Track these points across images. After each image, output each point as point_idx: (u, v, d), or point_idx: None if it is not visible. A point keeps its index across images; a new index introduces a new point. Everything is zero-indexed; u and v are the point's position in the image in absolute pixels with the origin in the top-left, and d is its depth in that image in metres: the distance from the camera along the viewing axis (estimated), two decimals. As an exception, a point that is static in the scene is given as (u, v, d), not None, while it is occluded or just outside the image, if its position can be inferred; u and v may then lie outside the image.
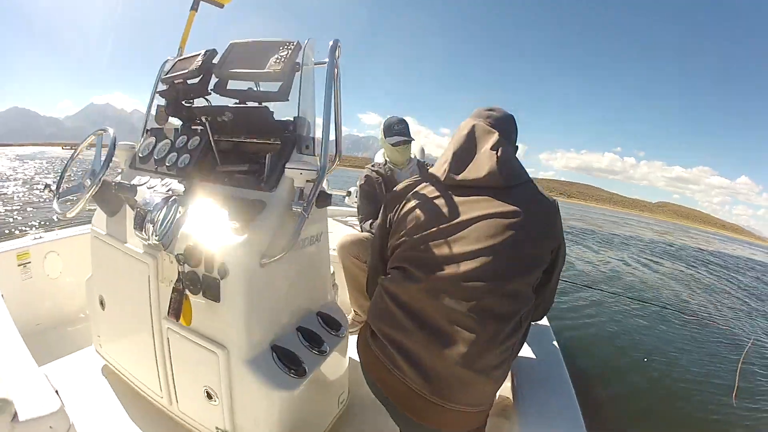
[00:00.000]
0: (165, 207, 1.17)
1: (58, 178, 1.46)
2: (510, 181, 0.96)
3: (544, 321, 1.80)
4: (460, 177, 0.99)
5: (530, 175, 1.03)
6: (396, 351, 0.92)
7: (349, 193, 3.12)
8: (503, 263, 0.88)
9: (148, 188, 1.35)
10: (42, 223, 6.86)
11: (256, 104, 1.30)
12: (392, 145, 1.99)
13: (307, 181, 1.13)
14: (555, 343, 1.59)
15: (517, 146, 1.09)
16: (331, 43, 1.24)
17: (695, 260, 15.91)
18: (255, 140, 1.27)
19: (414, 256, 0.96)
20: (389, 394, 0.95)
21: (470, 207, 0.94)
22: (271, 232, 1.11)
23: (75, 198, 1.47)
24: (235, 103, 1.32)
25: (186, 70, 1.42)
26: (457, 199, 0.97)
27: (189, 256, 1.10)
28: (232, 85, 1.34)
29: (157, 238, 1.15)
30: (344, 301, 2.09)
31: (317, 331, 1.30)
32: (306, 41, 1.25)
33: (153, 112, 1.60)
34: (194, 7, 1.80)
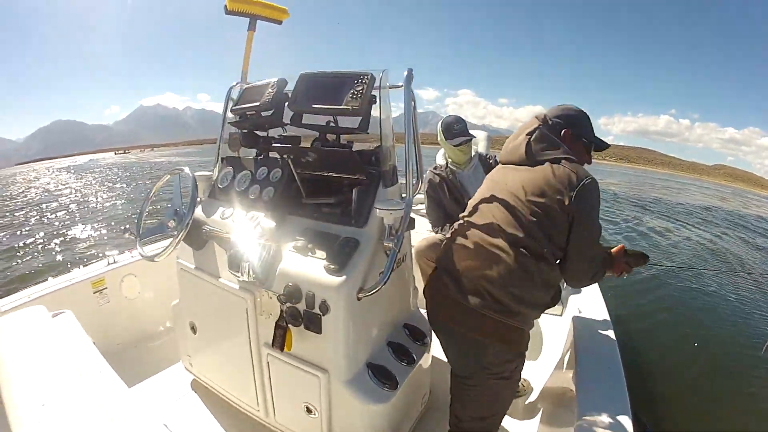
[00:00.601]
0: (259, 246, 1.24)
1: (137, 220, 1.55)
2: (532, 159, 1.24)
3: (604, 313, 1.97)
4: (504, 160, 1.36)
5: None
6: (445, 274, 1.22)
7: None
8: (506, 213, 1.17)
9: (234, 222, 1.42)
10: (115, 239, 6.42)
11: (334, 137, 1.34)
12: (455, 146, 1.99)
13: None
14: (613, 335, 1.72)
15: (583, 137, 1.31)
16: (406, 72, 1.26)
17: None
18: (340, 175, 1.31)
19: (467, 212, 1.32)
20: (440, 312, 1.24)
21: (504, 176, 1.29)
22: (365, 267, 1.18)
23: (158, 238, 1.56)
24: (315, 138, 1.36)
25: (258, 103, 1.45)
26: (501, 173, 1.33)
27: (290, 296, 1.18)
28: (307, 118, 1.38)
29: (254, 277, 1.23)
30: (422, 298, 2.15)
31: (405, 344, 1.40)
32: (381, 73, 1.27)
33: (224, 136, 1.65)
34: (251, 28, 1.78)
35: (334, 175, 1.31)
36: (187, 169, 1.51)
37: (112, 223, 7.25)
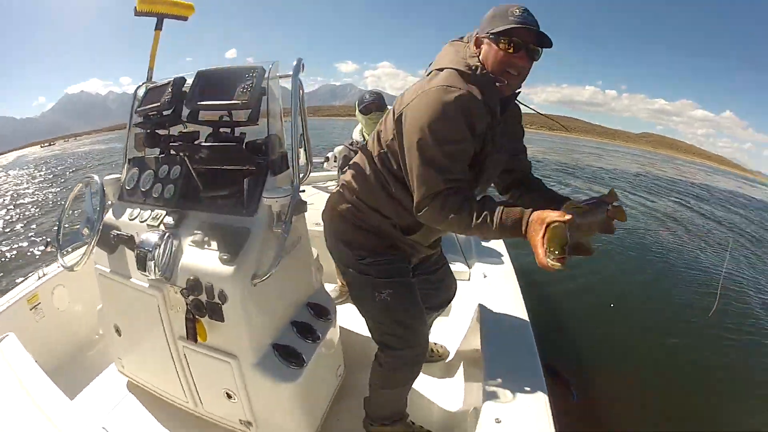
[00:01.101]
0: (162, 244, 1.28)
1: (56, 231, 1.57)
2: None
3: (512, 278, 2.14)
4: None
5: None
6: None
7: (327, 159, 3.17)
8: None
9: (141, 222, 1.44)
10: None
11: (228, 130, 1.37)
12: (365, 115, 2.04)
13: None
14: (521, 296, 1.89)
15: (484, 34, 1.09)
16: (294, 62, 1.30)
17: (685, 194, 15.82)
18: (232, 167, 1.35)
19: None
20: None
21: None
22: (257, 254, 1.23)
23: (76, 247, 1.58)
24: (209, 134, 1.39)
25: (158, 103, 1.48)
26: None
27: (192, 289, 1.23)
28: (204, 114, 1.41)
29: (160, 274, 1.27)
30: (330, 272, 2.25)
31: (309, 322, 1.47)
32: (270, 66, 1.31)
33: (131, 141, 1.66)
34: (158, 27, 1.79)
35: (228, 167, 1.35)
36: (96, 177, 1.54)
37: (40, 232, 6.80)
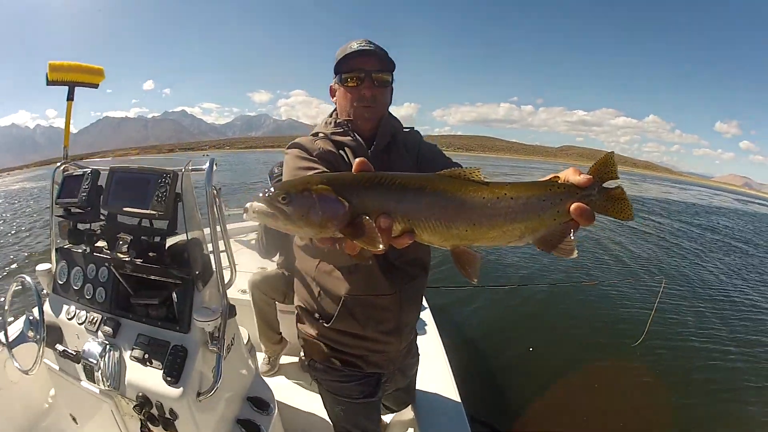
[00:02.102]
0: (105, 356, 1.30)
1: (3, 329, 1.58)
2: None
3: (441, 352, 2.17)
4: None
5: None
6: None
7: (246, 210, 3.13)
8: None
9: (79, 323, 1.44)
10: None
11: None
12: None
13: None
14: (451, 373, 1.94)
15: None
16: (206, 165, 1.26)
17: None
18: (158, 277, 1.33)
19: None
20: None
21: None
22: (198, 372, 1.26)
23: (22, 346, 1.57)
24: (131, 238, 1.36)
25: (76, 199, 1.42)
26: None
27: (143, 405, 1.25)
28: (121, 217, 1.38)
29: (108, 385, 1.29)
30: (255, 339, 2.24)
31: (251, 418, 1.51)
32: (182, 169, 1.27)
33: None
34: (70, 97, 1.68)
35: (154, 278, 1.33)
36: (27, 278, 1.53)
37: None
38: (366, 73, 1.06)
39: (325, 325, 1.18)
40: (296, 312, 1.31)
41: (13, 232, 9.72)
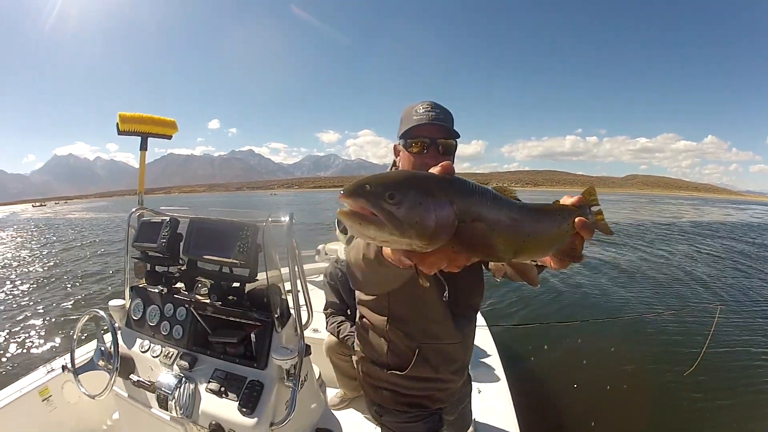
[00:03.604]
0: (181, 387, 1.42)
1: (70, 356, 1.68)
2: None
3: (506, 393, 2.27)
4: None
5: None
6: None
7: (318, 252, 3.26)
8: None
9: (153, 356, 1.57)
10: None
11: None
12: (346, 235, 2.16)
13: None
14: (514, 414, 2.02)
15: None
16: (286, 219, 1.41)
17: (658, 239, 15.82)
18: (237, 319, 1.47)
19: None
20: None
21: None
22: (272, 405, 1.38)
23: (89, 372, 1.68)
24: (212, 283, 1.50)
25: (155, 244, 1.57)
26: None
27: (216, 431, 1.36)
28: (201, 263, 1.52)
29: (181, 413, 1.40)
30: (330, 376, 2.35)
31: None
32: (264, 223, 1.42)
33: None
34: (143, 147, 1.83)
35: (233, 319, 1.47)
36: (101, 312, 1.64)
37: (49, 310, 6.25)
38: (431, 140, 1.06)
39: (399, 373, 1.19)
40: (359, 363, 1.32)
41: (79, 266, 9.95)
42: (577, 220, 0.59)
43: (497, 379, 2.41)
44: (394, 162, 1.21)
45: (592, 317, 5.43)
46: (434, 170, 0.50)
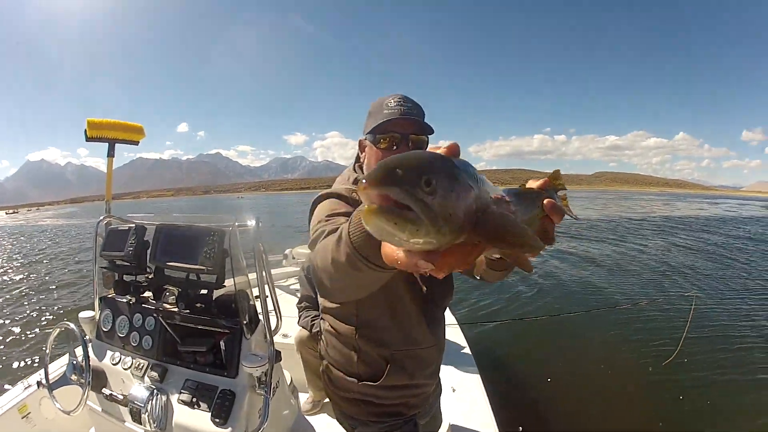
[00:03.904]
0: (153, 399, 1.38)
1: (43, 371, 1.65)
2: None
3: (480, 390, 2.24)
4: None
5: None
6: None
7: (285, 256, 3.24)
8: None
9: (124, 369, 1.53)
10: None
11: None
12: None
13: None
14: (491, 413, 1.99)
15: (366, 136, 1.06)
16: (252, 223, 1.39)
17: (629, 234, 15.75)
18: (206, 327, 1.43)
19: None
20: None
21: None
22: (245, 414, 1.35)
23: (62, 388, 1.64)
24: (179, 291, 1.47)
25: (123, 252, 1.54)
26: None
27: None
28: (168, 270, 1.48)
29: (155, 427, 1.37)
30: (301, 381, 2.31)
31: None
32: (230, 227, 1.39)
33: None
34: (110, 154, 1.80)
35: (201, 327, 1.44)
36: (71, 325, 1.60)
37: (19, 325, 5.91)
38: (402, 136, 0.99)
39: (372, 384, 1.12)
40: (326, 372, 1.22)
41: (50, 276, 9.74)
42: (545, 201, 0.55)
43: (471, 377, 2.39)
44: (358, 158, 1.15)
45: (566, 311, 5.32)
46: (440, 152, 0.42)
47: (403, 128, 0.99)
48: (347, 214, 0.91)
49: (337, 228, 0.69)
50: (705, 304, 6.01)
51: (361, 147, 1.10)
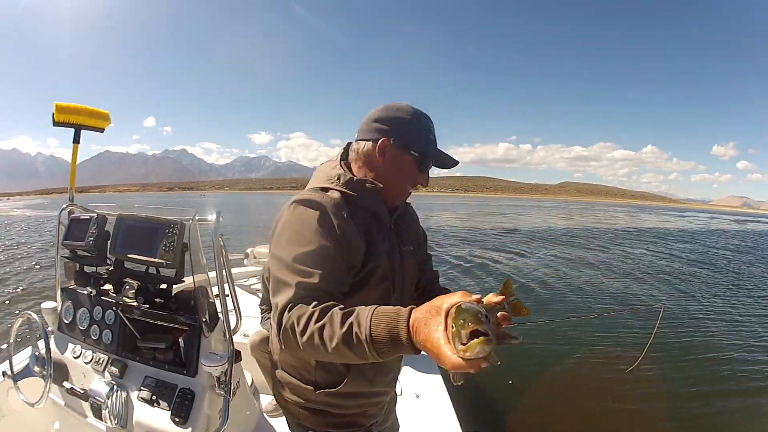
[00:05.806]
0: (113, 395, 1.34)
1: (9, 362, 1.59)
2: None
3: (445, 396, 2.19)
4: None
5: None
6: None
7: (247, 255, 3.20)
8: None
9: (85, 363, 1.49)
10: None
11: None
12: None
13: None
14: (456, 419, 1.95)
15: (411, 148, 1.03)
16: (213, 217, 1.33)
17: (595, 245, 16.03)
18: (165, 323, 1.39)
19: None
20: None
21: None
22: (205, 414, 1.31)
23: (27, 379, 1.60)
24: (138, 285, 1.42)
25: (83, 243, 1.48)
26: None
27: None
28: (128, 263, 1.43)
29: (116, 423, 1.33)
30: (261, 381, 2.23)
31: None
32: (190, 220, 1.33)
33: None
34: (76, 140, 1.74)
35: (161, 324, 1.39)
36: (34, 315, 1.55)
37: None
38: (432, 163, 1.07)
39: (330, 391, 1.06)
40: (278, 380, 1.14)
41: (17, 264, 9.54)
42: (499, 315, 0.66)
43: (433, 382, 2.35)
44: (346, 156, 1.07)
45: (532, 320, 5.48)
46: (459, 297, 0.62)
47: (435, 158, 1.07)
48: (330, 239, 0.88)
49: (327, 312, 0.74)
50: (671, 315, 6.12)
51: (383, 149, 1.01)
